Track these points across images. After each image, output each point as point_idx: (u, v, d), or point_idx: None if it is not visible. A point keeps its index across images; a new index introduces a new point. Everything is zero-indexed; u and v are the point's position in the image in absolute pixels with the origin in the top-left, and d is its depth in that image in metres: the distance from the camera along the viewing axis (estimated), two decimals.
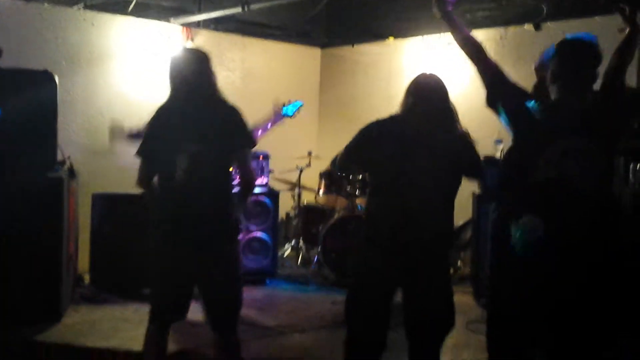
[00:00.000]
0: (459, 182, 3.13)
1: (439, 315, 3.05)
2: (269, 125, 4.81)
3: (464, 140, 3.10)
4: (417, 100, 3.04)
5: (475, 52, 2.92)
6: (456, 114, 3.12)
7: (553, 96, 2.79)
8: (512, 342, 2.80)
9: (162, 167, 3.09)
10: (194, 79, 3.09)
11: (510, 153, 2.93)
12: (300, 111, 5.22)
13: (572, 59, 2.75)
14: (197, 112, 3.06)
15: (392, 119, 3.08)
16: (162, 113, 3.14)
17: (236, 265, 3.17)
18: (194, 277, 3.08)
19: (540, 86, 4.16)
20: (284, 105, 5.06)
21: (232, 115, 3.11)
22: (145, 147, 3.13)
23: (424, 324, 3.05)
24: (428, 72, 3.19)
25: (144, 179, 3.17)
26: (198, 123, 3.04)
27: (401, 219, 2.94)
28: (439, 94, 3.09)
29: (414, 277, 2.98)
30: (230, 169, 3.17)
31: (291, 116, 5.09)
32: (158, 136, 3.10)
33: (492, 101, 2.88)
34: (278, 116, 4.98)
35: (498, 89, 2.86)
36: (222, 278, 3.07)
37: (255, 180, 3.34)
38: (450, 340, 4.19)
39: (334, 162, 3.32)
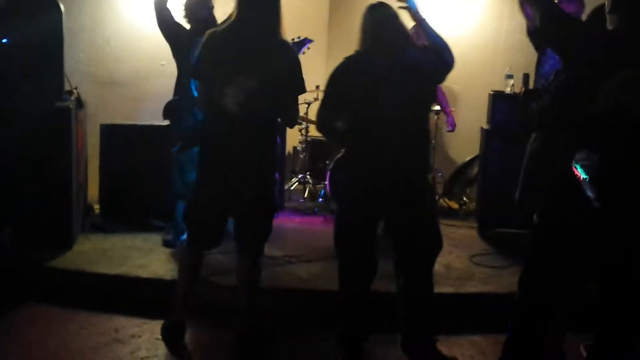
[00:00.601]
0: (430, 98, 3.30)
1: (425, 238, 3.19)
2: None
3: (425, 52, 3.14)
4: (373, 41, 3.10)
5: None
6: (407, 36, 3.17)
7: (613, 25, 2.66)
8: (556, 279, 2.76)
9: (212, 94, 3.10)
10: (261, 9, 3.07)
11: (561, 85, 2.89)
12: (309, 48, 5.18)
13: None
14: (256, 46, 3.05)
15: (351, 59, 3.17)
16: (218, 36, 3.11)
17: (272, 193, 3.35)
18: (232, 206, 3.21)
19: (528, 94, 4.12)
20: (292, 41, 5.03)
21: (289, 57, 3.14)
22: (199, 69, 3.16)
23: (412, 248, 3.19)
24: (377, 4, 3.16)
25: (202, 101, 3.24)
26: (256, 58, 3.04)
27: (378, 157, 3.05)
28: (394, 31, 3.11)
29: (398, 205, 3.13)
30: (278, 109, 3.22)
31: (299, 54, 5.07)
32: (211, 61, 3.10)
33: (544, 31, 2.76)
34: None
35: (555, 21, 2.71)
36: (257, 207, 3.22)
37: (296, 119, 3.48)
38: (454, 273, 4.30)
39: (317, 120, 3.35)
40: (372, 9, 3.11)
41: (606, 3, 2.69)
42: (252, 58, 3.05)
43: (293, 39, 5.11)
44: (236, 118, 3.01)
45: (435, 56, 3.09)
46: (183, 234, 4.54)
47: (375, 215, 3.24)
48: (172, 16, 4.36)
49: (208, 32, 3.16)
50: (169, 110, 4.18)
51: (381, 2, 3.12)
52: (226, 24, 3.16)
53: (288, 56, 3.15)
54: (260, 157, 3.17)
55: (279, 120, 3.33)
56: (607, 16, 2.69)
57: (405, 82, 3.02)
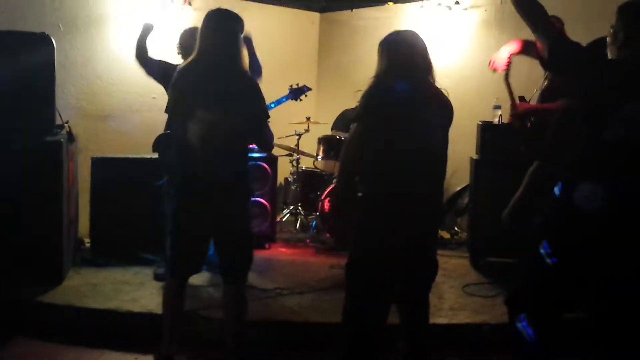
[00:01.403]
0: (446, 142, 3.05)
1: (428, 275, 3.07)
2: (282, 100, 5.12)
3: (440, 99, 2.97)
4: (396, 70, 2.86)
5: (536, 11, 2.72)
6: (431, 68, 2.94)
7: (621, 56, 2.63)
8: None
9: (178, 129, 3.24)
10: (221, 45, 3.17)
11: (568, 114, 2.87)
12: (307, 96, 5.42)
13: None
14: (216, 79, 3.14)
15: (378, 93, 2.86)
16: (183, 74, 3.22)
17: (247, 223, 3.40)
18: (209, 234, 3.30)
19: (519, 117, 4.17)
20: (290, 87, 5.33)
21: (248, 86, 3.21)
22: (169, 105, 3.31)
23: (421, 288, 3.10)
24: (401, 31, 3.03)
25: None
26: (217, 91, 3.12)
27: (400, 198, 2.82)
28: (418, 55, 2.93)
29: (415, 251, 2.91)
30: (246, 139, 3.31)
31: (296, 100, 5.27)
32: (177, 98, 3.23)
33: (556, 61, 2.70)
34: (290, 96, 5.26)
35: (564, 49, 2.67)
36: (234, 236, 3.29)
37: (271, 144, 3.56)
38: (446, 303, 4.29)
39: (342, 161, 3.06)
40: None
41: (612, 36, 2.67)
42: (212, 91, 3.13)
43: (292, 85, 5.27)
44: (201, 151, 3.13)
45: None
46: None
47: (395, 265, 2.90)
48: (154, 63, 4.53)
49: (178, 68, 3.28)
50: (158, 143, 4.22)
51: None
52: (189, 59, 3.25)
53: (247, 85, 3.22)
54: (229, 187, 3.22)
55: (257, 147, 3.45)
56: (612, 47, 2.67)
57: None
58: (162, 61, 4.53)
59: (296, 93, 5.32)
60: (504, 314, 4.08)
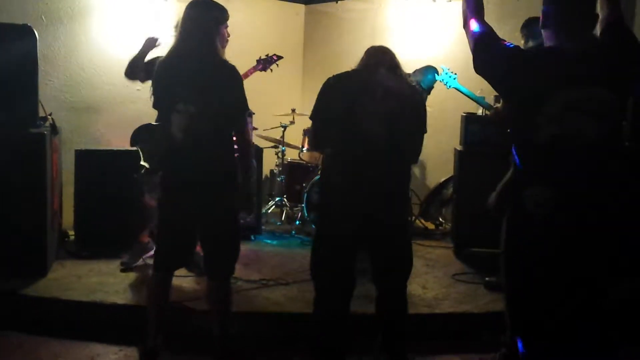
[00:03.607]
0: (416, 132, 3.26)
1: (403, 262, 3.29)
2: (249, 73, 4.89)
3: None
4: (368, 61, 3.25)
5: (475, 9, 2.56)
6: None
7: (547, 42, 2.45)
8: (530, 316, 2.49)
9: (161, 122, 3.25)
10: (198, 35, 3.15)
11: (509, 114, 2.80)
12: (278, 65, 5.24)
13: None
14: (195, 71, 3.12)
15: (340, 76, 3.24)
16: (162, 66, 3.21)
17: (233, 217, 3.31)
18: (194, 228, 3.26)
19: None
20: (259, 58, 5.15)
21: (227, 76, 3.17)
22: (153, 99, 3.27)
23: (390, 271, 3.26)
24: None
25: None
26: (196, 83, 3.11)
27: (359, 178, 3.09)
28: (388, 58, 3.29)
29: (378, 231, 3.18)
30: (229, 130, 3.24)
31: (265, 70, 5.14)
32: (157, 91, 3.22)
33: (480, 64, 2.52)
34: (258, 67, 5.08)
35: (485, 52, 2.50)
36: (220, 231, 3.26)
37: (249, 142, 3.46)
38: (430, 293, 4.33)
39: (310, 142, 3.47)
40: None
41: (541, 18, 2.47)
42: (191, 85, 3.12)
43: (261, 57, 5.17)
44: (184, 143, 3.12)
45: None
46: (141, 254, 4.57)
47: (353, 240, 3.23)
48: (142, 72, 4.26)
49: (158, 61, 3.25)
50: (138, 135, 4.25)
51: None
52: (167, 54, 3.23)
53: (226, 74, 3.18)
54: (213, 181, 3.19)
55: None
56: (542, 31, 2.48)
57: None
58: (149, 61, 4.38)
59: (265, 63, 5.10)
60: (487, 304, 4.16)
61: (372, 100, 3.09)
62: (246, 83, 3.34)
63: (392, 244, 3.22)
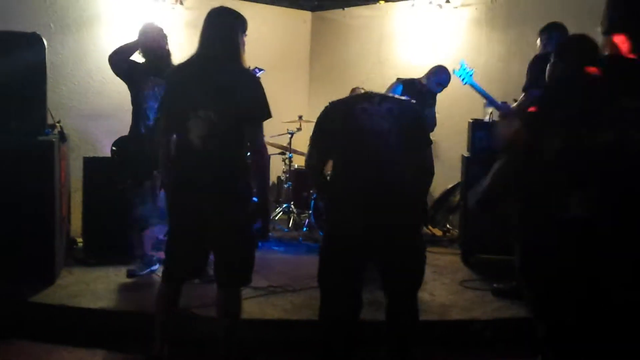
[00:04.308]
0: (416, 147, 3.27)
1: (415, 274, 3.23)
2: None
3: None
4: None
5: None
6: None
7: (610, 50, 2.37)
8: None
9: (177, 128, 3.15)
10: (220, 42, 3.13)
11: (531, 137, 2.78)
12: (259, 78, 5.25)
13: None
14: (216, 79, 3.08)
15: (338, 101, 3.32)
16: (181, 71, 3.18)
17: (247, 228, 3.21)
18: (206, 240, 3.17)
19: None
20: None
21: (249, 86, 3.12)
22: (165, 106, 3.22)
23: (402, 283, 3.20)
24: None
25: (162, 137, 3.26)
26: (219, 89, 3.06)
27: (370, 196, 3.06)
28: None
29: (387, 240, 3.12)
30: (246, 138, 3.17)
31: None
32: (174, 96, 3.16)
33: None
34: None
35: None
36: (232, 242, 3.14)
37: (264, 157, 3.34)
38: (437, 300, 4.31)
39: (306, 162, 3.47)
40: None
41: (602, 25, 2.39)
42: (212, 91, 3.07)
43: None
44: (202, 151, 3.06)
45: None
46: (150, 265, 4.57)
47: (361, 247, 3.15)
48: (124, 64, 4.40)
49: (171, 68, 3.22)
50: (119, 147, 4.30)
51: None
52: (188, 59, 3.20)
53: (248, 84, 3.13)
54: (228, 189, 3.11)
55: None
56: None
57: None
58: (130, 60, 4.46)
59: None
60: (495, 310, 4.13)
61: (372, 104, 3.15)
62: None
63: (401, 253, 3.15)
